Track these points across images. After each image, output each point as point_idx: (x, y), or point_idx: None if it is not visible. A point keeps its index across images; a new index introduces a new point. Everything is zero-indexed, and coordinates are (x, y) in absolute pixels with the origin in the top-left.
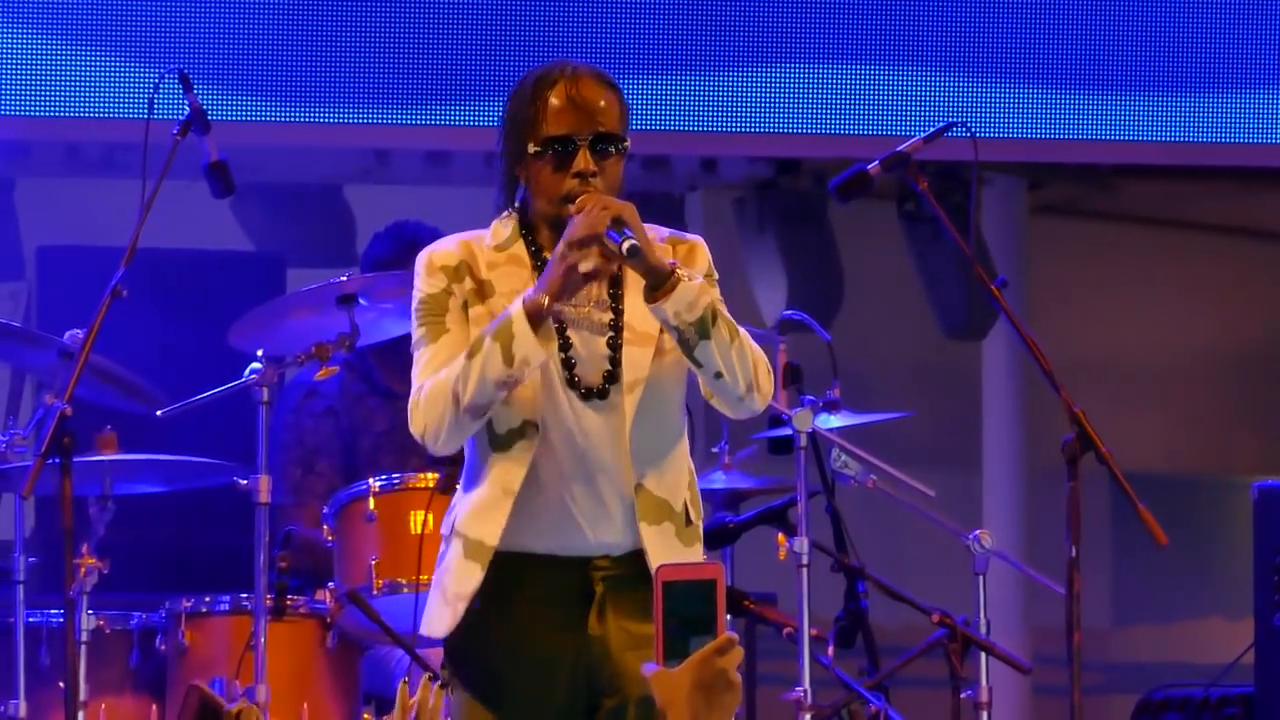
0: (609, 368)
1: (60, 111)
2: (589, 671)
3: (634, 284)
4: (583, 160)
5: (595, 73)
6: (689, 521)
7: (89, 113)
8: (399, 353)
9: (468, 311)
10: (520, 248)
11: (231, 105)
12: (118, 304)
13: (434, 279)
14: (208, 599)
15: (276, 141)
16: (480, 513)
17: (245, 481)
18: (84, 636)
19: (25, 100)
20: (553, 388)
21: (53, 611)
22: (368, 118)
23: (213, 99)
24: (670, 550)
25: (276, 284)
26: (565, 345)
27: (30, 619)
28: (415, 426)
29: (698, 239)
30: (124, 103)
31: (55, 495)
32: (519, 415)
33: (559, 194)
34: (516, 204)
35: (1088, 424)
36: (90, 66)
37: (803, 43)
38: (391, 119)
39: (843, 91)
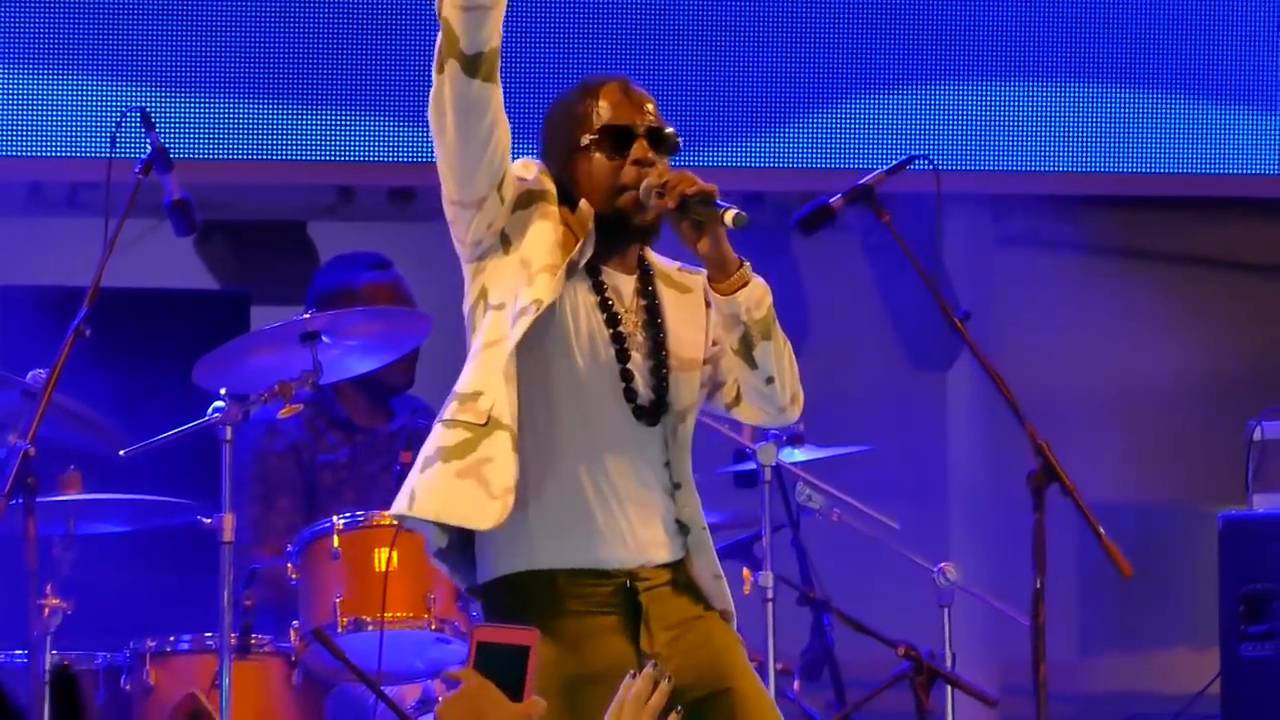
0: (653, 395)
1: (22, 150)
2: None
3: (673, 307)
4: (641, 149)
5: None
6: (705, 528)
7: (51, 152)
8: (360, 386)
9: (508, 218)
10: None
11: (195, 143)
12: (81, 343)
13: (524, 172)
14: (172, 638)
15: (240, 179)
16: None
17: (209, 520)
18: (48, 677)
19: None
20: (610, 400)
21: (16, 652)
22: (331, 154)
23: (175, 137)
24: (711, 560)
25: (240, 322)
26: (623, 357)
27: None
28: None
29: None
30: (86, 141)
31: (18, 535)
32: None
33: (615, 183)
34: None
35: (1051, 455)
36: (52, 105)
37: (765, 76)
38: (355, 155)
39: (806, 126)
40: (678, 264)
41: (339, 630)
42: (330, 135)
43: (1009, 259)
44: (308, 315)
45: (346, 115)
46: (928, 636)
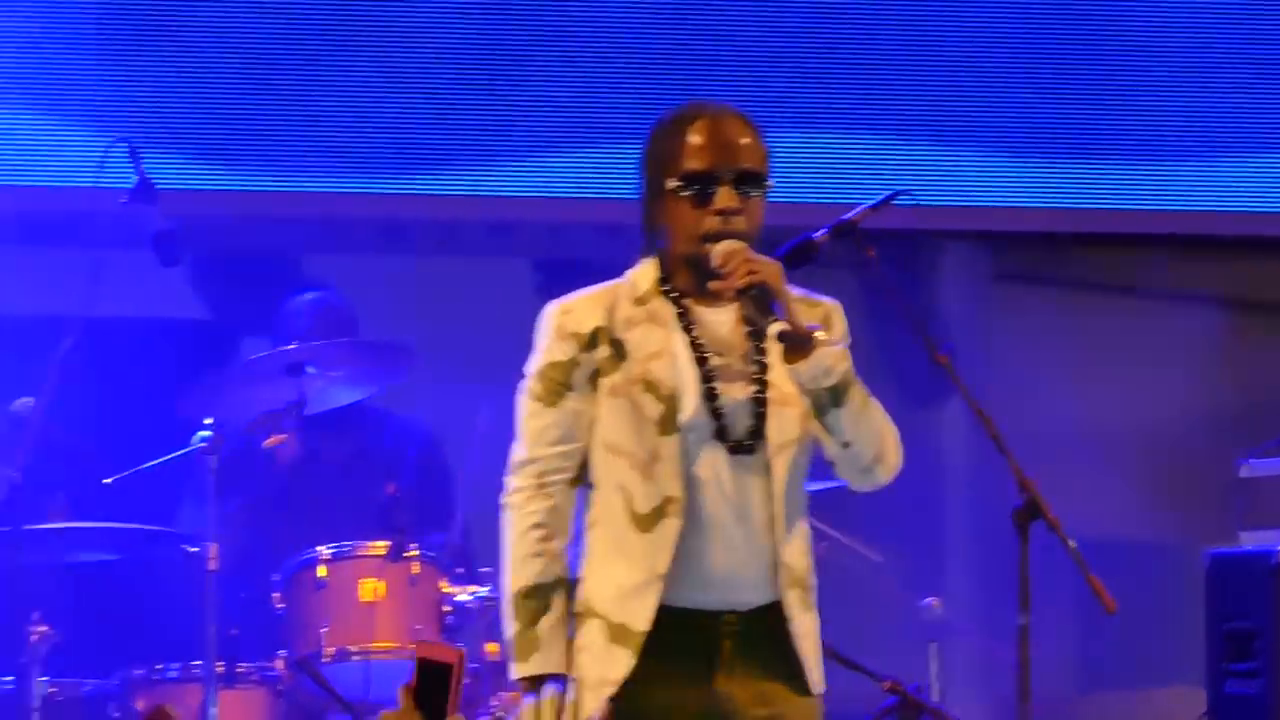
0: (752, 423)
1: (10, 180)
2: None
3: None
4: (725, 197)
5: (738, 113)
6: (810, 587)
7: (40, 181)
8: (339, 417)
9: (596, 381)
10: (660, 304)
11: (185, 173)
12: (68, 372)
13: (564, 344)
14: (159, 666)
15: (229, 210)
16: (628, 597)
17: (195, 549)
18: (36, 704)
19: None
20: (702, 442)
21: (6, 679)
22: (321, 185)
23: (165, 166)
24: (806, 613)
25: (228, 352)
26: (712, 396)
27: None
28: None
29: (835, 303)
30: (75, 171)
31: (6, 563)
32: (661, 491)
33: (699, 232)
34: (658, 249)
35: (1035, 490)
36: (41, 134)
37: (755, 108)
38: (343, 187)
39: (797, 159)
40: (800, 291)
41: (324, 660)
42: (320, 166)
43: (1005, 294)
44: (293, 346)
45: (336, 146)
46: (916, 672)
